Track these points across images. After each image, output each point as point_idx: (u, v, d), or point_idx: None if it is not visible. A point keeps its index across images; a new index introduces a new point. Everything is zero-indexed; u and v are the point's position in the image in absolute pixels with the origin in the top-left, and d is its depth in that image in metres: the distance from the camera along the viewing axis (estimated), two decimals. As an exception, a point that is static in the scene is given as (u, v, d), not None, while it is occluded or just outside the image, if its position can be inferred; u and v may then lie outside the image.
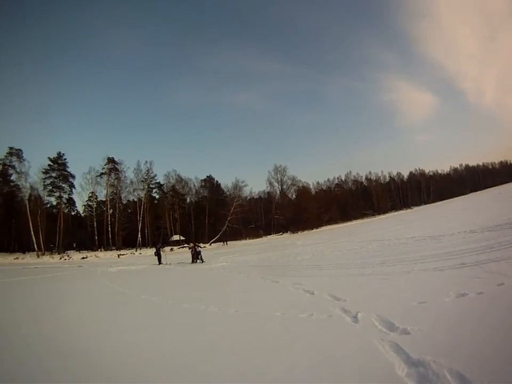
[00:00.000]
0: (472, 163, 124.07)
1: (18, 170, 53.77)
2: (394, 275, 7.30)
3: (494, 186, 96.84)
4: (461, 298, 4.63)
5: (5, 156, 53.87)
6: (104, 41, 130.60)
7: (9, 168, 54.67)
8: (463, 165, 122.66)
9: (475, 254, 7.90)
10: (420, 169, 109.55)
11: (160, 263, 23.30)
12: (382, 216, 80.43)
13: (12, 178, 55.94)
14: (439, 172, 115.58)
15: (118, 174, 63.89)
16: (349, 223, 75.04)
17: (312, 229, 70.43)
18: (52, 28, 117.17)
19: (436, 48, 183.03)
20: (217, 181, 78.39)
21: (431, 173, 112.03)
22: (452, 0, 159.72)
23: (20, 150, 53.78)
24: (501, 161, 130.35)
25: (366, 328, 4.07)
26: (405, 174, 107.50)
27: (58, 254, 48.58)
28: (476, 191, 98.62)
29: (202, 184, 76.47)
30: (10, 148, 53.84)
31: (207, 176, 77.53)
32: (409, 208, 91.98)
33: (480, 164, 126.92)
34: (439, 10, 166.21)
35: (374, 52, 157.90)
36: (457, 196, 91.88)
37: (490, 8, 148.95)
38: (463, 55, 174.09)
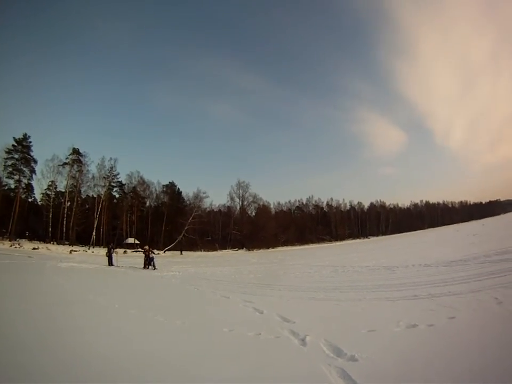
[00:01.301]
0: (432, 200, 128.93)
1: None
2: (346, 301, 7.34)
3: (452, 224, 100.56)
4: (411, 329, 4.66)
5: None
6: (80, 33, 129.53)
7: None
8: (424, 201, 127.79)
9: (428, 287, 8.07)
10: (380, 201, 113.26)
11: (111, 264, 22.72)
12: (339, 243, 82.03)
13: None
14: (400, 205, 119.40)
15: (81, 166, 62.56)
16: (305, 246, 75.92)
17: (268, 248, 70.82)
18: (39, 20, 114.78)
19: (411, 86, 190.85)
20: (179, 188, 77.82)
21: (392, 206, 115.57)
22: (433, 41, 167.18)
23: None
24: (461, 201, 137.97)
25: (313, 352, 4.01)
26: (366, 204, 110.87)
27: (10, 240, 46.56)
28: (433, 227, 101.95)
29: (164, 189, 75.87)
30: None
31: (169, 182, 76.95)
32: (366, 237, 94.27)
33: (441, 201, 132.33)
34: (419, 49, 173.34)
35: (350, 80, 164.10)
36: (415, 230, 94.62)
37: (470, 53, 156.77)
38: (437, 96, 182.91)
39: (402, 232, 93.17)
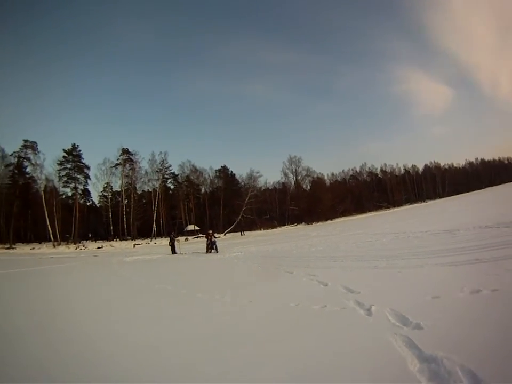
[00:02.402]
0: (487, 157, 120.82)
1: (33, 162, 56.09)
2: (409, 268, 7.21)
3: (510, 181, 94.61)
4: (475, 295, 4.54)
5: (20, 148, 56.13)
6: (117, 33, 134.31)
7: (25, 160, 56.55)
8: (479, 159, 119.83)
9: (491, 250, 7.72)
10: (435, 162, 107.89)
11: (174, 252, 23.44)
12: (396, 209, 79.77)
13: (27, 170, 57.92)
14: (455, 165, 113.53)
15: (133, 164, 65.47)
16: (363, 215, 74.77)
17: (327, 220, 70.39)
18: (65, 19, 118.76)
19: (450, 39, 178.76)
20: (232, 171, 78.73)
21: (446, 166, 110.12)
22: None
23: (35, 142, 55.87)
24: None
25: (379, 321, 4.04)
26: (420, 167, 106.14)
27: (74, 244, 49.92)
28: (491, 185, 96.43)
29: (217, 174, 76.94)
30: (25, 141, 55.61)
31: (221, 167, 78.05)
32: (424, 201, 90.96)
33: (496, 158, 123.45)
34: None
35: (387, 41, 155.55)
36: (472, 191, 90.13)
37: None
38: (478, 46, 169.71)
39: (459, 194, 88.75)
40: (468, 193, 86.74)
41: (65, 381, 3.16)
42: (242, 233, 59.83)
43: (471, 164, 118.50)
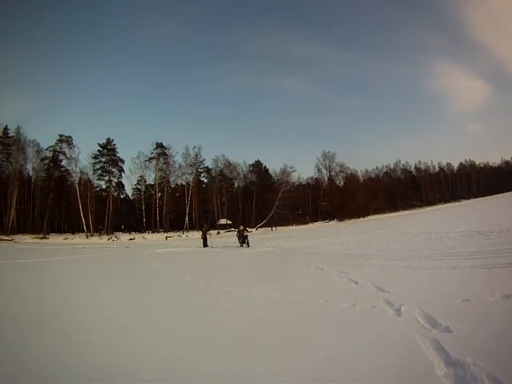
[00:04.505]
0: None
1: (68, 156, 58.33)
2: (440, 270, 7.07)
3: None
4: (507, 300, 4.41)
5: (56, 142, 58.30)
6: (149, 28, 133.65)
7: (60, 154, 58.88)
8: None
9: (525, 254, 7.51)
10: (470, 160, 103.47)
11: (205, 246, 23.57)
12: (430, 208, 77.35)
13: (62, 163, 60.19)
14: (490, 164, 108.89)
15: (167, 158, 66.51)
16: (396, 213, 72.87)
17: (359, 218, 69.28)
18: (102, 13, 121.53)
19: (486, 32, 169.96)
20: (265, 166, 78.40)
21: (482, 165, 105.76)
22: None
23: (70, 137, 58.29)
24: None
25: (408, 322, 4.00)
26: (455, 165, 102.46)
27: (107, 235, 51.41)
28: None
29: (251, 169, 76.92)
30: (61, 135, 57.97)
31: (255, 161, 77.87)
32: (458, 201, 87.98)
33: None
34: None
35: (421, 35, 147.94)
36: (507, 191, 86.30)
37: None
38: None
39: (494, 193, 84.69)
40: (503, 193, 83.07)
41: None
42: (272, 229, 59.81)
43: (506, 162, 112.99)
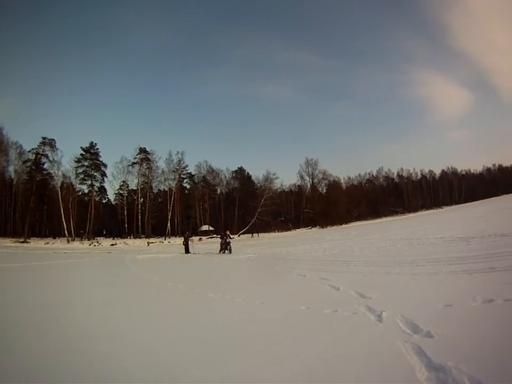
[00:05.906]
0: (505, 163, 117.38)
1: (51, 159, 57.70)
2: (422, 275, 7.13)
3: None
4: (488, 304, 4.45)
5: (38, 145, 57.63)
6: (134, 31, 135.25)
7: (42, 156, 58.08)
8: (496, 165, 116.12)
9: (506, 259, 7.53)
10: (452, 168, 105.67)
11: (187, 252, 23.42)
12: (412, 215, 78.64)
13: (44, 166, 59.37)
14: (472, 171, 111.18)
15: (150, 163, 66.38)
16: (378, 220, 73.85)
17: (342, 224, 69.90)
18: (89, 18, 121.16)
19: (469, 41, 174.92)
20: (248, 172, 78.97)
21: (463, 172, 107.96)
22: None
23: (53, 139, 57.52)
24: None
25: (389, 328, 4.00)
26: (437, 172, 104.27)
27: (88, 240, 50.78)
28: (508, 192, 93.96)
29: (233, 175, 77.36)
30: (44, 138, 57.19)
31: (238, 168, 78.31)
32: (439, 207, 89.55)
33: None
34: (471, 2, 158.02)
35: (405, 43, 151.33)
36: (489, 197, 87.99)
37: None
38: (499, 49, 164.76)
39: (475, 200, 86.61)
40: (484, 199, 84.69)
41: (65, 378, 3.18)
42: (253, 235, 59.97)
43: (488, 170, 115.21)
